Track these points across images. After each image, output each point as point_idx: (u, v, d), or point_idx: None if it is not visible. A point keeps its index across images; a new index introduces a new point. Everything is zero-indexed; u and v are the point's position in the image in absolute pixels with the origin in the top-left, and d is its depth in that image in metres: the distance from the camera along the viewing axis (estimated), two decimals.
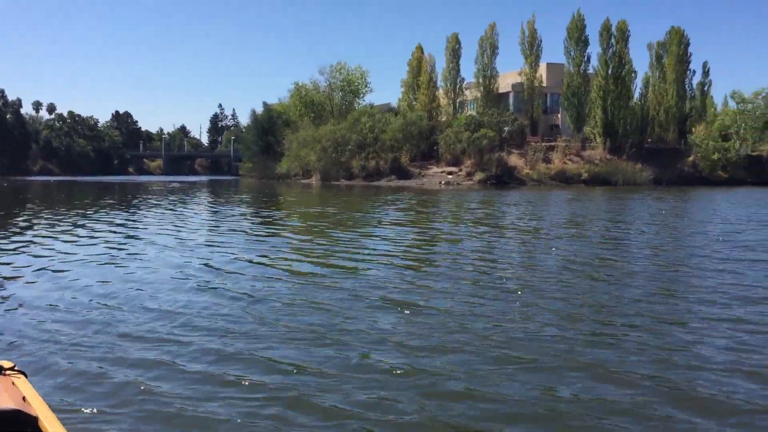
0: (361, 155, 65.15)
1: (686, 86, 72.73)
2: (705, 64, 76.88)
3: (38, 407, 3.18)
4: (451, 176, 61.16)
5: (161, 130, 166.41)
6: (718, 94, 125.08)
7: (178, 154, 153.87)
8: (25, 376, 3.61)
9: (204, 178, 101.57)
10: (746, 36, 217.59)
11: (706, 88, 75.27)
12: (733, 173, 65.65)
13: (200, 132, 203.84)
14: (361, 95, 79.24)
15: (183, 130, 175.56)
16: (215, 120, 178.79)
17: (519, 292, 8.77)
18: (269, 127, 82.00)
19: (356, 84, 77.89)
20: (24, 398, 3.23)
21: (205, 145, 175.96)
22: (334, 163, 65.66)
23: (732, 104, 77.74)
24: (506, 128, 64.67)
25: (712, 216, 23.09)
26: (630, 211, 26.28)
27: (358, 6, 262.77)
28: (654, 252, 13.16)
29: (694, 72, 73.46)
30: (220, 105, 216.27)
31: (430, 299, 8.42)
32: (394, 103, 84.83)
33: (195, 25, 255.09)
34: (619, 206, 29.53)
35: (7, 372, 3.56)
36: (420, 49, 78.68)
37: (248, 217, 22.33)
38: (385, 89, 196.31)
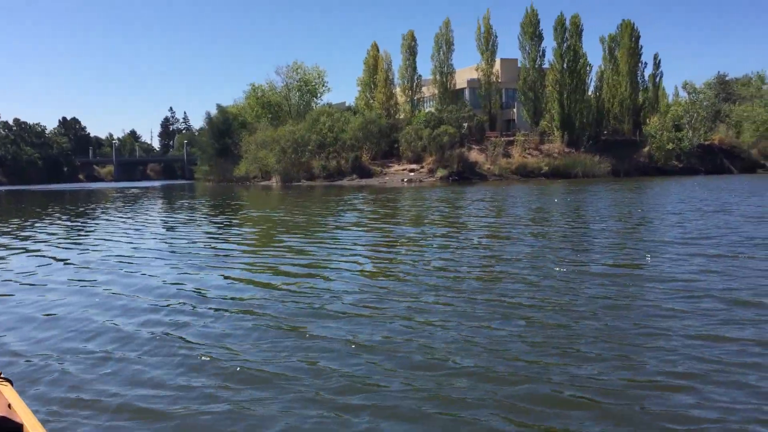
0: (321, 155, 64.46)
1: (639, 78, 74.13)
2: (656, 56, 78.35)
3: (23, 415, 3.16)
4: (413, 174, 60.98)
5: (111, 135, 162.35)
6: (669, 86, 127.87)
7: (129, 159, 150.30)
8: (11, 383, 3.58)
9: (157, 183, 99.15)
10: (694, 27, 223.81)
11: (657, 80, 76.73)
12: (687, 163, 67.21)
13: (151, 136, 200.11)
14: (319, 95, 78.71)
15: (133, 135, 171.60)
16: (166, 124, 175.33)
17: (479, 295, 8.42)
18: (225, 129, 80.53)
19: (313, 84, 77.17)
20: (9, 405, 3.22)
21: (157, 149, 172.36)
22: (294, 164, 64.81)
23: (683, 95, 79.66)
24: (465, 124, 64.88)
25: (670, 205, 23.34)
26: (591, 203, 26.35)
27: (311, 6, 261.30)
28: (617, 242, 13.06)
29: (646, 64, 74.87)
30: (171, 108, 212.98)
31: (386, 302, 8.05)
32: (350, 102, 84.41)
33: (141, 28, 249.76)
34: (579, 199, 29.66)
35: None
36: (376, 47, 78.36)
37: (206, 223, 21.02)
38: (341, 88, 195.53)
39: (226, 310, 7.83)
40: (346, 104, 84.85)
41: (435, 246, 12.81)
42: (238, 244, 14.31)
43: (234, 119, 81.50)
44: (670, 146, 66.13)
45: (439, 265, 10.42)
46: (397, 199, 32.55)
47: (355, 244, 13.36)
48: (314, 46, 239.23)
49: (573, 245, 12.64)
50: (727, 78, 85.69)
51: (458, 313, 7.31)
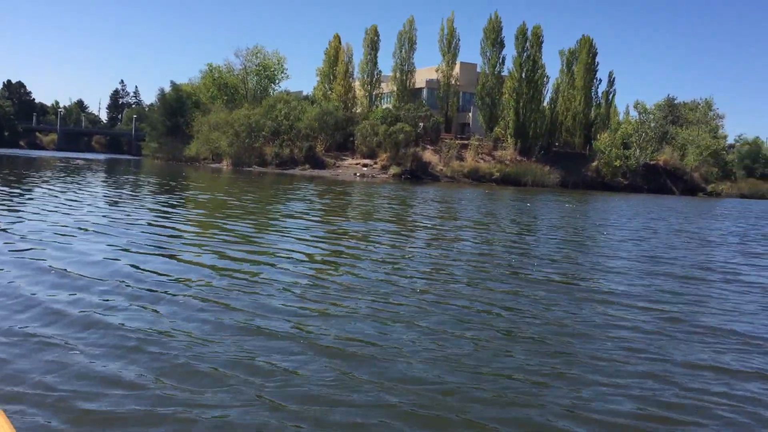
0: (275, 142, 63.70)
1: (593, 94, 75.81)
2: (610, 74, 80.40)
3: None
4: (366, 168, 60.86)
5: (57, 103, 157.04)
6: (620, 104, 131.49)
7: (74, 129, 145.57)
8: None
9: (102, 156, 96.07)
10: (648, 49, 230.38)
11: (610, 97, 78.71)
12: (632, 180, 69.07)
13: (99, 108, 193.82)
14: (277, 81, 77.71)
15: (80, 105, 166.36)
16: (116, 96, 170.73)
17: (417, 290, 8.41)
18: (178, 107, 78.82)
19: (272, 69, 76.14)
20: None
21: (104, 121, 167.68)
22: (247, 149, 63.87)
23: (634, 114, 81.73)
24: (422, 124, 65.12)
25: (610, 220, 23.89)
26: (534, 212, 26.75)
27: None
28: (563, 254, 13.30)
29: (600, 81, 76.67)
30: (122, 81, 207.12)
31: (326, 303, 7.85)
32: (307, 92, 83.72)
33: None
34: (526, 207, 30.08)
35: None
36: (338, 38, 77.93)
37: (151, 202, 19.84)
38: (299, 77, 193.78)
39: (163, 294, 7.42)
40: (303, 93, 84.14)
41: (382, 243, 12.55)
42: (182, 225, 13.68)
43: (188, 98, 79.84)
44: (617, 163, 67.86)
45: (384, 260, 10.25)
46: (349, 193, 32.34)
47: (301, 236, 12.92)
48: (274, 32, 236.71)
49: (515, 250, 12.75)
50: (675, 101, 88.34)
51: (407, 312, 7.16)
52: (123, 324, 6.16)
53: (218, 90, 75.59)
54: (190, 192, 25.93)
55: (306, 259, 10.11)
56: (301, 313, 6.89)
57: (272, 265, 9.35)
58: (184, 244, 11.14)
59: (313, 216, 17.59)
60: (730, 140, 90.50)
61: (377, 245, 11.89)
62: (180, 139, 76.08)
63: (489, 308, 7.57)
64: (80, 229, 12.10)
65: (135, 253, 9.96)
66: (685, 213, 31.97)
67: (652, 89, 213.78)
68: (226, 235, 12.19)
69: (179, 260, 9.51)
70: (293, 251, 10.67)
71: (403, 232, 14.62)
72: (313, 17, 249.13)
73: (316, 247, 11.46)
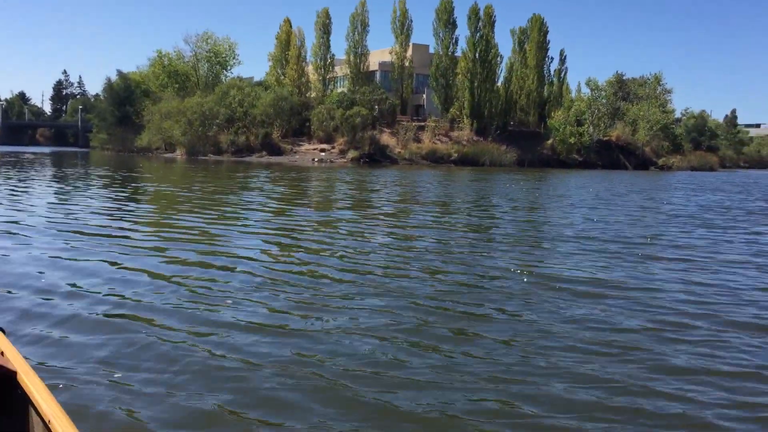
0: (230, 130, 62.54)
1: (545, 72, 76.57)
2: (562, 52, 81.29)
3: (16, 362, 3.19)
4: (323, 153, 60.31)
5: None
6: (572, 82, 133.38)
7: (17, 123, 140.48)
8: (3, 332, 3.55)
9: (47, 150, 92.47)
10: (597, 27, 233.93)
11: (562, 75, 79.68)
12: (586, 157, 70.15)
13: (42, 100, 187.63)
14: (229, 68, 76.21)
15: (22, 97, 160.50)
16: (59, 87, 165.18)
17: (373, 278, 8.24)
18: (127, 96, 76.62)
19: (224, 55, 74.60)
20: (2, 353, 3.24)
21: (48, 113, 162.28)
22: (201, 138, 62.54)
23: (586, 91, 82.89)
24: (377, 107, 64.78)
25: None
26: (493, 191, 26.82)
27: None
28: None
29: (552, 59, 77.50)
30: (65, 71, 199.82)
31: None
32: (258, 78, 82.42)
33: None
34: (484, 186, 30.17)
35: None
36: (288, 22, 76.76)
37: (97, 195, 18.47)
38: (249, 63, 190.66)
39: (101, 303, 6.32)
40: (254, 80, 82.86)
41: (342, 232, 12.03)
42: (128, 223, 12.34)
43: (137, 87, 77.67)
44: (572, 140, 68.79)
45: (344, 254, 9.71)
46: (308, 179, 31.85)
47: (259, 227, 12.33)
48: (223, 18, 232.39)
49: (475, 234, 12.72)
50: (624, 77, 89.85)
51: (367, 307, 6.60)
52: (47, 335, 5.30)
53: (168, 77, 73.68)
54: (141, 184, 24.89)
55: (264, 258, 9.06)
56: (251, 328, 5.73)
57: (226, 269, 8.12)
58: (127, 246, 9.54)
59: (270, 206, 17.06)
60: (677, 114, 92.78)
61: (338, 238, 11.18)
62: (130, 129, 74.11)
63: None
64: (16, 228, 10.98)
65: (71, 252, 8.83)
66: (656, 189, 32.48)
67: (602, 66, 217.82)
68: (177, 233, 10.96)
69: (119, 267, 8.07)
70: (249, 248, 9.69)
71: (366, 221, 14.20)
72: (262, 1, 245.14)
73: (274, 243, 10.51)
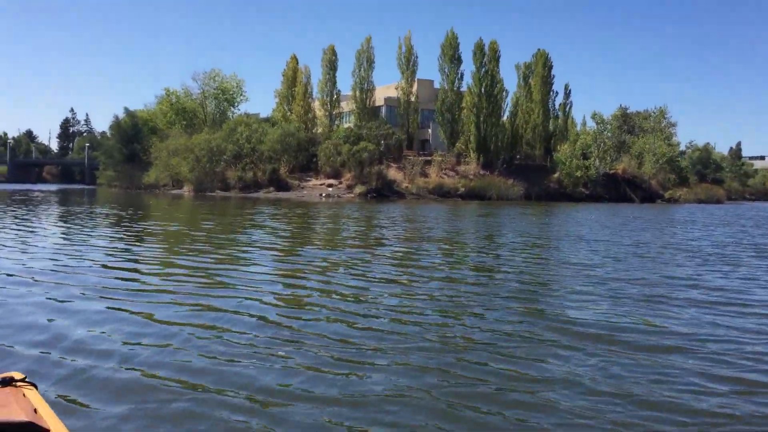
0: (237, 166, 62.80)
1: (550, 106, 76.97)
2: (566, 86, 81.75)
3: (49, 419, 3.21)
4: (331, 189, 60.39)
5: (5, 134, 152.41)
6: (577, 115, 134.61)
7: (24, 160, 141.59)
8: (36, 387, 3.59)
9: (53, 187, 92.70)
10: (600, 62, 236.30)
11: (567, 109, 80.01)
12: (593, 190, 70.06)
13: (49, 137, 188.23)
14: (237, 104, 76.92)
15: (30, 135, 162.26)
16: (66, 125, 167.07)
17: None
18: (134, 134, 77.28)
19: (231, 92, 75.37)
20: (36, 410, 3.25)
21: (55, 151, 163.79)
22: (209, 174, 62.82)
23: (591, 125, 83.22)
24: (383, 142, 65.06)
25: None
26: (504, 226, 26.55)
27: (226, 14, 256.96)
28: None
29: (557, 93, 77.94)
30: (72, 109, 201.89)
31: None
32: (264, 114, 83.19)
33: (43, 21, 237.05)
34: (493, 222, 29.89)
35: (18, 384, 3.54)
36: (295, 59, 77.73)
37: (104, 236, 17.88)
38: (255, 100, 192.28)
39: (111, 356, 5.98)
40: (260, 116, 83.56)
41: (355, 273, 11.64)
42: (139, 262, 12.14)
43: (144, 124, 78.36)
44: (578, 173, 68.81)
45: (355, 294, 9.46)
46: (316, 215, 31.69)
47: (269, 268, 11.92)
48: (227, 56, 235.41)
49: (486, 269, 12.35)
50: (628, 111, 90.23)
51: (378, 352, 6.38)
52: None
53: (176, 115, 74.40)
54: (149, 222, 24.61)
55: (274, 301, 8.70)
56: (273, 390, 5.27)
57: (237, 314, 7.74)
58: (136, 291, 9.19)
59: (280, 244, 16.76)
60: (682, 147, 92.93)
61: (349, 280, 10.77)
62: (138, 166, 74.53)
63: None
64: (20, 274, 10.47)
65: (73, 301, 8.31)
66: (670, 223, 32.22)
67: (605, 99, 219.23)
68: (186, 276, 10.56)
69: (129, 313, 7.73)
70: (260, 292, 9.29)
71: (377, 259, 13.89)
72: (268, 39, 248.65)
73: (285, 285, 10.16)
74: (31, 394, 3.49)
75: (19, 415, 3.07)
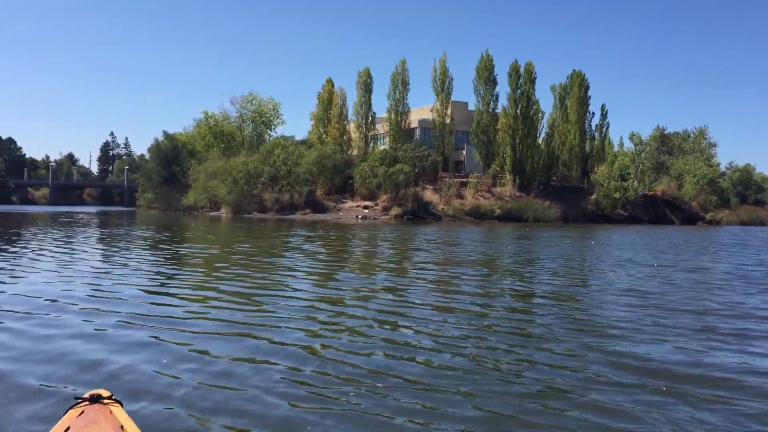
0: (274, 188, 63.42)
1: (587, 127, 76.40)
2: (603, 107, 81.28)
3: None
4: (367, 210, 60.54)
5: (47, 157, 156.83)
6: (614, 136, 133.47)
7: (66, 183, 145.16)
8: (121, 405, 3.66)
9: (93, 209, 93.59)
10: (637, 82, 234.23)
11: (604, 130, 79.33)
12: (631, 211, 69.14)
13: (90, 160, 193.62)
14: (273, 127, 77.93)
15: (71, 158, 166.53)
16: (106, 148, 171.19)
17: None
18: (173, 156, 78.72)
19: (268, 115, 76.40)
20: (122, 427, 3.32)
21: (95, 174, 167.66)
22: (246, 196, 63.53)
23: (629, 145, 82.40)
24: (419, 163, 65.15)
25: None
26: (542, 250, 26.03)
27: (266, 39, 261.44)
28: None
29: (593, 114, 77.41)
30: (112, 133, 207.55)
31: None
32: (299, 137, 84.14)
33: (82, 48, 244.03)
34: (533, 245, 29.34)
35: (106, 401, 3.61)
36: (331, 82, 78.67)
37: (144, 261, 17.39)
38: (290, 122, 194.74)
39: (148, 389, 5.57)
40: (296, 138, 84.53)
41: (397, 299, 11.30)
42: (176, 290, 11.77)
43: (183, 147, 79.77)
44: (616, 195, 68.03)
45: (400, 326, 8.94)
46: (353, 237, 31.62)
47: (306, 294, 11.50)
48: (262, 79, 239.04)
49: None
50: (665, 131, 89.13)
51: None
52: None
53: (214, 137, 75.65)
54: (187, 246, 24.59)
55: (315, 329, 8.25)
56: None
57: (276, 344, 7.28)
58: (174, 318, 8.89)
59: (319, 268, 16.50)
60: (722, 168, 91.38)
61: (398, 303, 10.56)
62: (176, 188, 75.75)
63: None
64: (52, 302, 10.07)
65: (111, 334, 7.77)
66: (721, 246, 31.46)
67: (642, 120, 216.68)
68: (225, 302, 10.26)
69: (167, 341, 7.34)
70: (298, 319, 8.90)
71: (421, 284, 13.60)
72: (304, 62, 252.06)
73: (329, 312, 9.68)
74: (118, 411, 3.56)
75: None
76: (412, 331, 8.29)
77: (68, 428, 3.24)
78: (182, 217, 58.83)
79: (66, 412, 3.56)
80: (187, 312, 9.32)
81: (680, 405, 5.47)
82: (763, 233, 49.98)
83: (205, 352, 6.85)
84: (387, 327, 8.57)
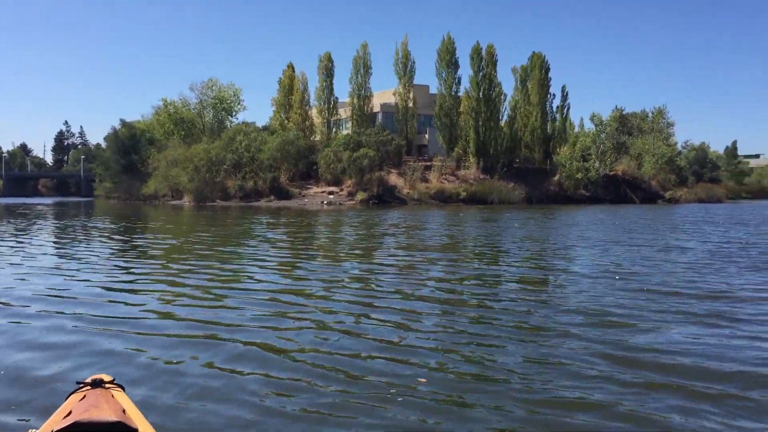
0: (237, 175, 62.45)
1: (548, 109, 76.75)
2: (563, 88, 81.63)
3: (137, 419, 3.33)
4: (332, 196, 60.08)
5: None
6: (574, 117, 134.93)
7: (20, 174, 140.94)
8: (123, 389, 3.71)
9: (50, 200, 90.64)
10: (596, 63, 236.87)
11: (565, 111, 79.80)
12: (594, 191, 69.93)
13: (44, 150, 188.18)
14: (235, 113, 76.57)
15: (24, 149, 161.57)
16: (61, 138, 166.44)
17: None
18: (132, 144, 76.90)
19: (229, 101, 75.03)
20: (124, 410, 3.36)
21: (50, 164, 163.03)
22: (208, 184, 62.46)
23: (589, 126, 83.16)
24: (383, 148, 64.79)
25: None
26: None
27: (225, 24, 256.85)
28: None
29: (554, 95, 77.76)
30: (66, 122, 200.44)
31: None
32: (261, 123, 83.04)
33: (34, 35, 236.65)
34: (499, 226, 29.36)
35: (107, 385, 3.67)
36: (291, 67, 77.60)
37: (101, 255, 16.46)
38: (251, 108, 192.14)
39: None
40: (257, 124, 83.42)
41: (362, 288, 11.18)
42: (135, 281, 11.54)
43: (141, 135, 77.97)
44: (579, 175, 68.68)
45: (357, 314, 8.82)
46: (318, 223, 31.25)
47: (269, 286, 11.09)
48: (224, 65, 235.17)
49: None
50: (624, 112, 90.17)
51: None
52: None
53: (174, 125, 74.01)
54: (147, 237, 23.75)
55: (277, 325, 7.86)
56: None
57: (232, 342, 6.98)
58: (131, 318, 8.36)
59: (283, 257, 16.12)
60: (679, 147, 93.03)
61: (357, 296, 10.36)
62: (136, 177, 74.14)
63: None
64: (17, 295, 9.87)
65: (63, 337, 7.28)
66: (684, 224, 31.83)
67: (601, 101, 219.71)
68: (186, 299, 9.67)
69: (124, 347, 6.77)
70: (263, 316, 8.43)
71: (382, 274, 13.04)
72: (264, 47, 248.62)
73: (288, 303, 9.37)
74: (120, 395, 3.62)
75: (109, 415, 3.20)
76: (385, 327, 7.82)
77: (70, 412, 3.28)
78: (143, 207, 57.60)
79: (68, 397, 3.62)
80: (144, 312, 8.76)
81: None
82: (722, 210, 51.01)
83: (169, 362, 6.25)
84: (355, 321, 8.20)
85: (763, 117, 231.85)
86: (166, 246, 19.59)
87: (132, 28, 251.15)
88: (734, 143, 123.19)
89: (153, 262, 15.10)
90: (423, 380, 5.58)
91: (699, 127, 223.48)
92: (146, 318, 8.34)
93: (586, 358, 6.32)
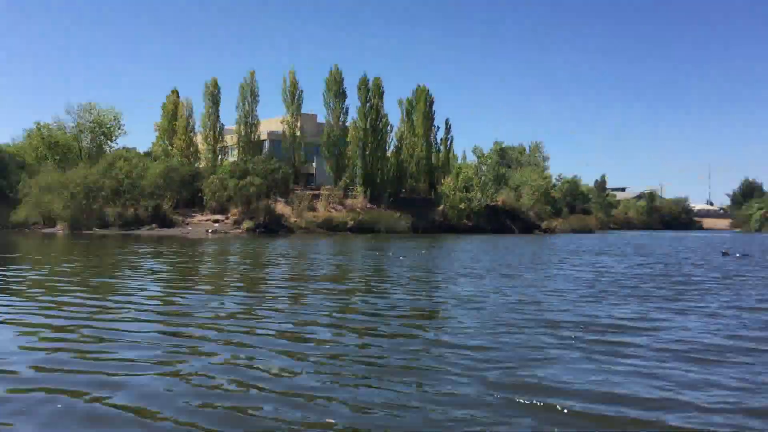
0: (117, 202, 59.96)
1: (432, 141, 79.43)
2: (447, 122, 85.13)
3: None
4: (217, 224, 58.98)
5: None
6: (458, 149, 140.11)
7: None
8: None
9: None
10: (475, 98, 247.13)
11: (449, 143, 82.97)
12: (476, 222, 72.71)
13: None
14: (114, 138, 73.58)
15: None
16: None
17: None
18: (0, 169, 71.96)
19: (108, 125, 72.08)
20: None
21: None
22: (85, 211, 59.50)
23: (472, 158, 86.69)
24: (270, 176, 64.44)
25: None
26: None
27: (103, 45, 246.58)
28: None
29: (438, 128, 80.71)
30: None
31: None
32: (142, 149, 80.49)
33: None
34: (387, 259, 30.08)
35: None
36: (176, 93, 76.18)
37: None
38: (134, 133, 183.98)
39: None
40: (138, 150, 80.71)
41: (246, 321, 11.36)
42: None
43: (11, 159, 73.15)
44: (462, 206, 71.24)
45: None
46: (203, 253, 30.64)
47: (149, 323, 11.02)
48: (106, 88, 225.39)
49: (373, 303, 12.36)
50: (503, 146, 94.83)
51: None
52: None
53: (48, 149, 70.11)
54: (14, 267, 22.67)
55: (157, 366, 7.83)
56: None
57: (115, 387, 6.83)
58: None
59: (160, 290, 15.81)
60: (553, 180, 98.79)
61: (239, 327, 10.59)
62: (3, 203, 69.31)
63: None
64: None
65: None
66: (560, 254, 33.57)
67: (482, 135, 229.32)
68: (46, 342, 9.06)
69: None
70: (140, 363, 8.00)
71: (267, 305, 13.47)
72: (147, 70, 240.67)
73: (166, 343, 9.32)
74: None
75: None
76: (264, 371, 7.66)
77: None
78: (10, 235, 53.93)
79: None
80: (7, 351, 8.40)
81: None
82: (594, 240, 54.57)
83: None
84: (237, 360, 8.10)
85: (630, 153, 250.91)
86: (31, 278, 18.54)
87: (6, 46, 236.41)
88: (603, 177, 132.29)
89: (12, 298, 14.33)
90: (331, 421, 5.70)
91: (572, 161, 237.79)
92: None
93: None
